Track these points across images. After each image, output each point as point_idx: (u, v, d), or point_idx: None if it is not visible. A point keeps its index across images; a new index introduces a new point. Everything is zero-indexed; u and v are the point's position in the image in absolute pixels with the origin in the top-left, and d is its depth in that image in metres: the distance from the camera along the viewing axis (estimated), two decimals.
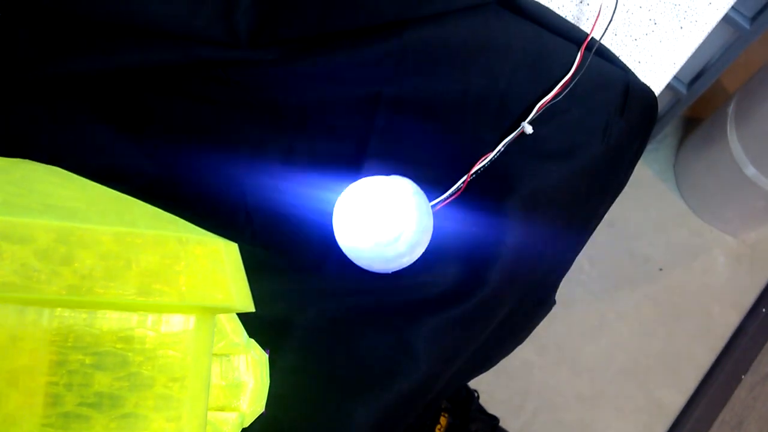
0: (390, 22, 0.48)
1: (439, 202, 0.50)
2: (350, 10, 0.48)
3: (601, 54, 0.52)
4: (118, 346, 0.28)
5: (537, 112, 0.50)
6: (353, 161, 0.49)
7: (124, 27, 0.46)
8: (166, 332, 0.28)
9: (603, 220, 0.56)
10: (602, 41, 0.51)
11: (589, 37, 0.51)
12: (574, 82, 0.50)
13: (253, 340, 0.41)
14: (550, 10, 0.51)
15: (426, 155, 0.50)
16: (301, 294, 0.48)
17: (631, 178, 0.55)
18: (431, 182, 0.49)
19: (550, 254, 0.52)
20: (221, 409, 0.39)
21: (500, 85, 0.50)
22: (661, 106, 1.32)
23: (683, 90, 1.25)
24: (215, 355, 0.39)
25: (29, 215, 0.28)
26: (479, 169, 0.50)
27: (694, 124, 1.52)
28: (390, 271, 0.48)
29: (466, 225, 0.49)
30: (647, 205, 1.49)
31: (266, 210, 0.49)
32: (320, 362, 0.47)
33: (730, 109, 1.31)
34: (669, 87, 1.25)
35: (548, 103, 0.50)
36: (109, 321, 0.28)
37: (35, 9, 0.44)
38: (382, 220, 0.48)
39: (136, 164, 0.48)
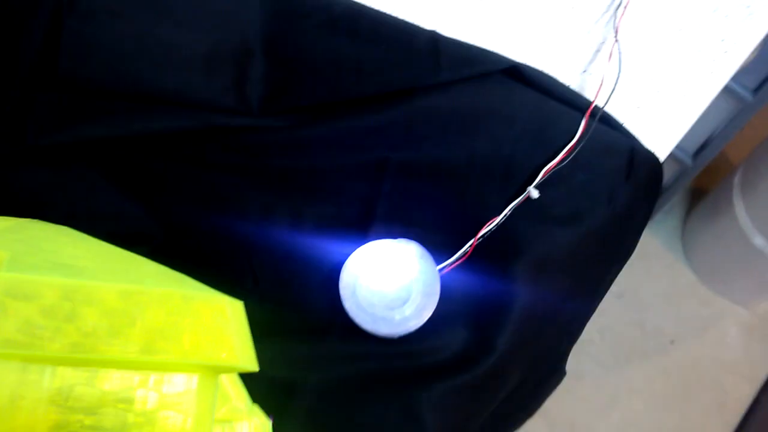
0: (398, 91, 0.49)
1: (446, 265, 0.49)
2: (359, 80, 0.49)
3: (605, 121, 0.52)
4: (119, 406, 0.27)
5: (543, 177, 0.50)
6: (360, 225, 0.50)
7: (138, 95, 0.48)
8: (168, 392, 0.28)
9: (612, 291, 0.56)
10: (605, 109, 0.52)
11: (593, 105, 0.52)
12: (579, 148, 0.50)
13: (256, 406, 0.40)
14: (554, 78, 0.52)
15: (433, 219, 0.50)
16: (306, 359, 0.48)
17: (639, 248, 0.55)
18: (438, 246, 0.49)
19: (560, 320, 0.52)
20: None
21: (505, 151, 0.51)
22: (667, 176, 1.33)
23: (688, 161, 1.26)
24: (217, 420, 0.39)
25: (36, 272, 0.28)
26: (486, 233, 0.50)
27: (701, 195, 1.53)
28: (397, 336, 0.48)
29: (473, 289, 0.49)
30: (656, 276, 1.48)
31: (273, 274, 0.49)
32: (326, 430, 0.46)
33: (736, 180, 1.32)
34: (674, 158, 1.27)
35: (553, 168, 0.50)
36: (110, 380, 0.28)
37: (52, 76, 0.46)
38: (388, 283, 0.48)
39: (147, 229, 0.48)
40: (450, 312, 0.49)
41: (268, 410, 0.42)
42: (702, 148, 1.25)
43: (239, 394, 0.39)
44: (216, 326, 0.29)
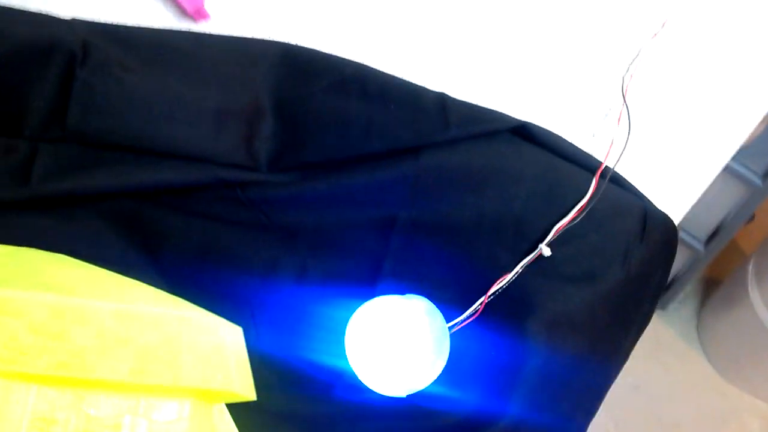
0: (406, 148, 0.49)
1: (456, 323, 0.48)
2: (367, 137, 0.50)
3: (616, 182, 0.52)
4: None
5: (555, 234, 0.49)
6: (367, 282, 0.48)
7: (147, 148, 0.48)
8: (158, 420, 0.26)
9: (628, 382, 0.54)
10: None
11: (603, 164, 0.51)
12: (590, 207, 0.50)
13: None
14: (562, 138, 0.52)
15: (442, 276, 0.49)
16: (309, 419, 0.45)
17: (654, 339, 0.53)
18: (447, 303, 0.48)
19: (575, 386, 0.49)
20: None
21: (515, 209, 0.50)
22: (680, 264, 1.32)
23: (700, 248, 1.25)
24: None
25: (26, 290, 0.26)
26: (497, 290, 0.48)
27: (714, 285, 1.51)
28: (404, 396, 0.45)
29: (484, 348, 0.47)
30: (672, 368, 1.44)
31: (276, 329, 0.47)
32: None
33: (750, 269, 1.30)
34: (686, 245, 1.25)
35: (565, 226, 0.49)
36: (97, 405, 0.26)
37: (60, 126, 0.46)
38: (396, 341, 0.46)
39: (149, 280, 0.47)
40: (460, 371, 0.47)
41: None
42: (714, 234, 1.24)
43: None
44: (212, 349, 0.27)
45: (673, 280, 1.34)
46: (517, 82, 0.56)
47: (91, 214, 0.47)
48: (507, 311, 0.48)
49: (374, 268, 0.49)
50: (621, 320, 0.51)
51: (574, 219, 0.50)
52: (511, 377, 0.46)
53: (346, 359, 0.46)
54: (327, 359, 0.47)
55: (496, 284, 0.48)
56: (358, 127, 0.50)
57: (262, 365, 0.45)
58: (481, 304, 0.48)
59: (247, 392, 0.30)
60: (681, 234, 1.25)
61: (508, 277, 0.48)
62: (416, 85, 0.52)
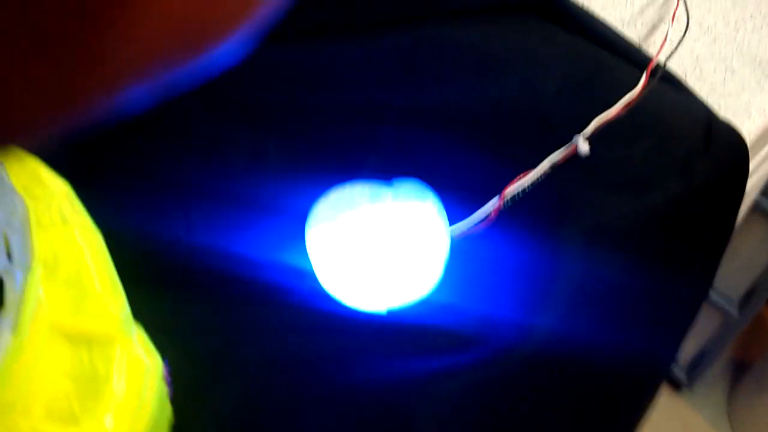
0: (404, 16, 0.38)
1: (463, 227, 0.35)
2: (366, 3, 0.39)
3: (670, 82, 0.40)
4: None
5: (595, 130, 0.37)
6: (344, 177, 0.36)
7: None
8: None
9: None
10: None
11: (655, 59, 0.40)
12: (639, 104, 0.38)
13: (142, 332, 0.24)
14: (604, 23, 0.41)
15: (444, 176, 0.36)
16: (250, 330, 0.31)
17: (682, 425, 0.40)
18: (452, 206, 0.35)
19: (624, 302, 0.36)
20: (65, 419, 0.21)
21: (543, 100, 0.39)
22: (709, 332, 1.17)
23: (734, 311, 1.11)
24: (66, 334, 0.23)
25: None
26: (518, 191, 0.36)
27: (744, 367, 1.36)
28: (384, 312, 0.32)
29: (505, 257, 0.34)
30: None
31: (214, 221, 0.34)
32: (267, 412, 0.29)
33: None
34: (717, 307, 1.11)
35: (608, 121, 0.38)
36: None
37: None
38: (375, 239, 0.33)
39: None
40: (466, 285, 0.33)
41: (198, 390, 0.26)
42: (749, 295, 1.10)
43: (114, 296, 0.24)
44: None
45: (702, 352, 1.19)
46: None
47: None
48: (534, 217, 0.35)
49: (355, 162, 0.37)
50: (688, 239, 0.38)
51: (619, 114, 0.38)
52: (540, 290, 0.32)
53: (308, 261, 0.33)
54: (283, 258, 0.33)
55: (513, 182, 0.36)
56: None
57: (192, 263, 0.32)
58: (495, 206, 0.35)
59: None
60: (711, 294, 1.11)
61: (532, 174, 0.36)
62: None
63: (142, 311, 0.24)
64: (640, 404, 0.38)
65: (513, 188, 0.36)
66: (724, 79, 0.45)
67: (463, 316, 0.32)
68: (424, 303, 0.32)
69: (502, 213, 0.35)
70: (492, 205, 0.35)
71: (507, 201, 0.36)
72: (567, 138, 0.38)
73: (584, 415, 0.35)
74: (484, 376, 0.30)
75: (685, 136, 0.39)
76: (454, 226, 0.35)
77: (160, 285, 0.32)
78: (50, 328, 0.22)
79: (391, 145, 0.37)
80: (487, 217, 0.35)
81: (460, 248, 0.33)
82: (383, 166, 0.37)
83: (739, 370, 1.39)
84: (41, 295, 0.22)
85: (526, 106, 0.38)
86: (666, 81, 0.40)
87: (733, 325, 1.11)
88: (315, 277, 0.33)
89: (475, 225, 0.35)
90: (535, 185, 0.36)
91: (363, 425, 0.30)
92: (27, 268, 0.22)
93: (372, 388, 0.30)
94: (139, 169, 0.35)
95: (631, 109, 0.39)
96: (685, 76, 0.43)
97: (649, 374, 0.39)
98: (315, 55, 0.38)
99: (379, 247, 0.33)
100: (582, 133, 0.37)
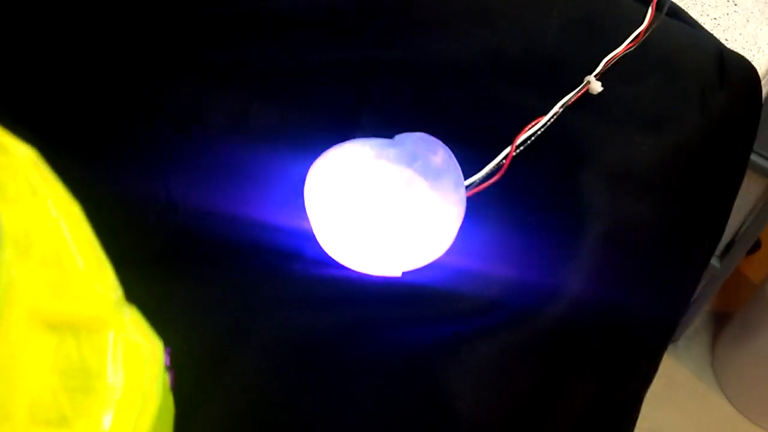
0: None
1: (476, 182, 0.32)
2: None
3: (675, 16, 0.38)
4: None
5: (604, 67, 0.35)
6: (337, 132, 0.33)
7: None
8: None
9: (644, 428, 0.37)
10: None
11: None
12: (645, 38, 0.35)
13: (137, 314, 0.21)
14: None
15: (445, 128, 0.33)
16: (255, 304, 0.28)
17: (668, 379, 0.37)
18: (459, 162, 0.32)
19: (651, 254, 0.33)
20: (53, 422, 0.18)
21: (546, 43, 0.35)
22: None
23: (716, 263, 1.11)
24: (48, 321, 0.19)
25: None
26: (529, 137, 0.33)
27: (725, 318, 1.37)
28: (395, 277, 0.29)
29: (521, 211, 0.31)
30: (690, 410, 1.27)
31: (198, 190, 0.31)
32: (272, 416, 0.26)
33: None
34: None
35: (617, 57, 0.35)
36: None
37: None
38: (381, 198, 0.30)
39: None
40: (485, 243, 0.30)
41: (206, 374, 0.23)
42: (729, 247, 1.10)
43: (104, 276, 0.20)
44: None
45: None
46: None
47: None
48: (551, 164, 0.33)
49: (348, 120, 0.33)
50: (706, 177, 0.35)
51: (628, 50, 0.35)
52: (564, 247, 0.30)
53: (309, 225, 0.30)
54: (282, 224, 0.30)
55: (525, 130, 0.33)
56: None
57: (183, 235, 0.29)
58: (506, 157, 0.32)
59: None
60: None
61: (544, 119, 0.33)
62: None
63: (133, 292, 0.21)
64: (659, 356, 0.36)
65: (524, 136, 0.33)
66: (728, 12, 0.42)
67: (484, 278, 0.29)
68: (440, 265, 0.29)
69: (516, 163, 0.32)
70: (503, 156, 0.33)
71: (519, 150, 0.33)
72: (575, 80, 0.35)
73: (609, 373, 0.33)
74: (512, 339, 0.27)
75: (698, 70, 0.36)
76: (465, 181, 0.32)
77: (150, 262, 0.28)
78: (28, 315, 0.19)
79: (386, 100, 0.34)
80: (499, 168, 0.32)
81: (473, 204, 0.30)
82: (379, 123, 0.33)
83: (720, 322, 1.41)
84: (14, 278, 0.18)
85: (528, 51, 0.35)
86: (672, 15, 0.37)
87: (715, 277, 1.11)
88: (318, 243, 0.29)
89: (488, 178, 0.32)
90: (548, 131, 0.33)
91: (392, 395, 0.27)
92: None
93: (399, 356, 0.27)
94: (116, 134, 0.31)
95: (640, 45, 0.36)
96: (687, 11, 0.40)
97: (668, 326, 0.37)
98: (298, 8, 0.35)
99: (386, 207, 0.30)
100: (593, 74, 0.34)
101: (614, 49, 0.36)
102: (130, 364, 0.19)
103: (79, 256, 0.19)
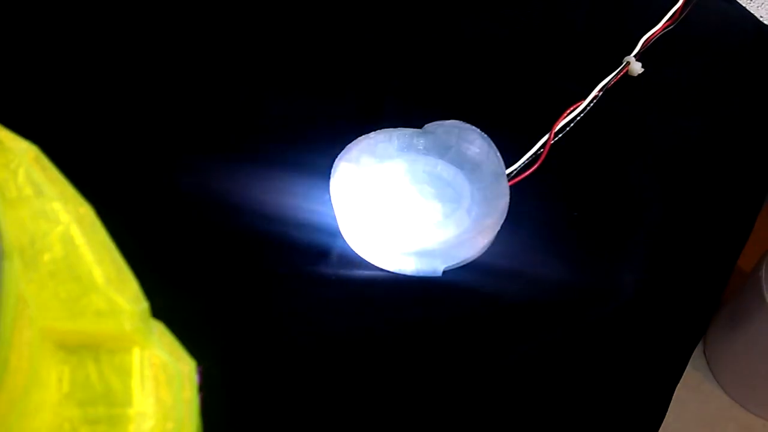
0: None
1: (517, 170, 0.29)
2: None
3: None
4: None
5: (643, 47, 0.32)
6: (359, 122, 0.30)
7: None
8: None
9: None
10: None
11: None
12: (681, 16, 0.33)
13: (164, 329, 0.18)
14: None
15: (475, 117, 0.31)
16: (284, 308, 0.25)
17: None
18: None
19: (704, 243, 0.31)
20: None
21: (577, 24, 0.33)
22: None
23: None
24: (63, 342, 0.16)
25: None
26: (568, 123, 0.30)
27: (717, 306, 1.36)
28: (438, 273, 0.26)
29: (560, 206, 0.29)
30: (684, 400, 1.25)
31: (223, 187, 0.28)
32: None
33: (763, 272, 1.15)
34: None
35: (656, 35, 0.33)
36: None
37: None
38: (416, 190, 0.27)
39: None
40: (527, 238, 0.28)
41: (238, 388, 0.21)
42: None
43: (124, 287, 0.17)
44: None
45: None
46: None
47: None
48: (594, 151, 0.30)
49: (370, 108, 0.31)
50: (748, 160, 0.33)
51: (666, 28, 0.33)
52: (614, 242, 0.27)
53: (335, 222, 0.27)
54: (308, 220, 0.27)
55: (564, 116, 0.30)
56: None
57: (203, 237, 0.26)
58: (545, 145, 0.30)
59: None
60: None
61: (584, 102, 0.31)
62: None
63: (158, 304, 0.18)
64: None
65: (564, 122, 0.30)
66: None
67: (528, 277, 0.27)
68: (481, 264, 0.27)
69: (556, 151, 0.30)
70: (542, 144, 0.30)
71: (558, 137, 0.30)
72: (612, 61, 0.32)
73: (653, 372, 0.31)
74: (559, 341, 0.25)
75: (740, 48, 0.34)
76: (509, 168, 0.29)
77: (176, 269, 0.25)
78: (39, 337, 0.16)
79: (406, 91, 0.31)
80: (537, 157, 0.30)
81: (514, 194, 0.28)
82: (403, 112, 0.31)
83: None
84: (23, 294, 0.15)
85: (560, 31, 0.33)
86: None
87: None
88: (346, 242, 0.27)
89: (525, 169, 0.29)
90: (588, 116, 0.31)
91: (435, 399, 0.24)
92: None
93: (443, 361, 0.25)
94: (123, 123, 0.28)
95: (678, 23, 0.34)
96: None
97: (702, 319, 0.35)
98: None
99: (420, 202, 0.27)
100: (633, 54, 0.32)
101: (651, 28, 0.33)
102: (159, 388, 0.16)
103: (96, 265, 0.16)
